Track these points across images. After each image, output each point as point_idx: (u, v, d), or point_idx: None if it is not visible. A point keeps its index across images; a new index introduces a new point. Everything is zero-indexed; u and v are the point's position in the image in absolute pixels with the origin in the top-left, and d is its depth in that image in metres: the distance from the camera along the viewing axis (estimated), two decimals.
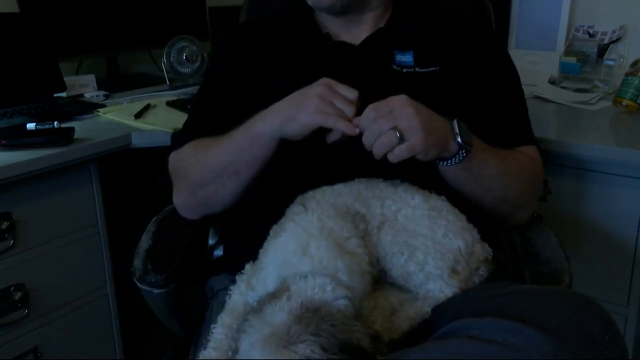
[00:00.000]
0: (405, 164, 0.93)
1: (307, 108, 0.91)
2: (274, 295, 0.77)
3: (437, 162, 0.97)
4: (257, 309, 0.77)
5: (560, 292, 0.81)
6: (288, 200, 0.99)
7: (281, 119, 0.95)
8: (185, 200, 1.12)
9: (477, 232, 0.95)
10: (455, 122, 0.94)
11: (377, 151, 0.89)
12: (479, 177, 1.01)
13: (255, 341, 0.72)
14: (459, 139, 0.93)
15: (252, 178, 1.03)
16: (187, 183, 1.10)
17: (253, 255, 0.95)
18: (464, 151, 0.94)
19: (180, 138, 1.14)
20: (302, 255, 0.82)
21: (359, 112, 0.92)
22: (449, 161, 0.95)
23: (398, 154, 0.89)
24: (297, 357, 0.68)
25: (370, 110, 0.90)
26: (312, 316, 0.72)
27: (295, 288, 0.77)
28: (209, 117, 1.16)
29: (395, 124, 0.88)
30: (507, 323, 0.73)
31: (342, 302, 0.76)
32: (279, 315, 0.73)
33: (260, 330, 0.73)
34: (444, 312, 0.86)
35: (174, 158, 1.14)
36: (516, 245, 1.13)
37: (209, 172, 1.05)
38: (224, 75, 1.18)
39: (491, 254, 0.96)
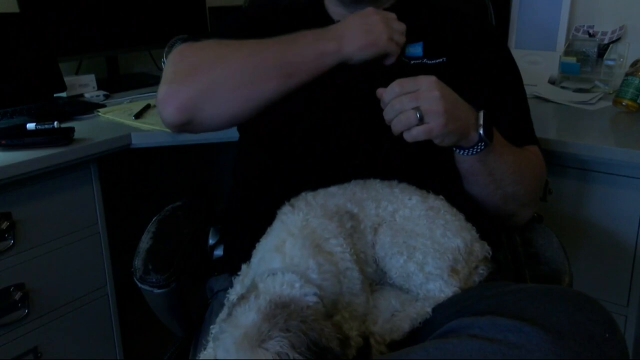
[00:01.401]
0: (404, 163, 0.93)
1: (382, 36, 0.97)
2: (243, 297, 0.77)
3: (454, 149, 0.97)
4: (228, 313, 0.77)
5: (560, 291, 0.81)
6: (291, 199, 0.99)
7: (362, 44, 0.98)
8: (196, 90, 0.98)
9: (475, 231, 0.95)
10: (481, 114, 0.93)
11: (395, 128, 0.89)
12: (494, 171, 1.01)
13: (229, 346, 0.72)
14: (481, 131, 0.93)
15: (299, 86, 0.99)
16: (216, 69, 0.98)
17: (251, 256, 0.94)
18: (482, 144, 0.94)
19: (198, 38, 1.06)
20: (275, 252, 0.83)
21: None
22: (467, 151, 0.95)
23: (415, 135, 0.89)
24: (269, 355, 0.69)
25: (395, 85, 0.90)
26: (281, 312, 0.72)
27: (263, 286, 0.77)
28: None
29: (417, 104, 0.88)
30: (507, 321, 0.73)
31: (312, 299, 0.76)
32: (248, 315, 0.73)
33: (232, 334, 0.72)
34: (444, 311, 0.86)
35: (190, 46, 1.03)
36: (516, 245, 1.13)
37: (267, 65, 0.98)
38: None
39: (490, 252, 0.96)
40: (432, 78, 0.90)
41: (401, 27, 1.01)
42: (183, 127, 1.01)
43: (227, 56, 0.99)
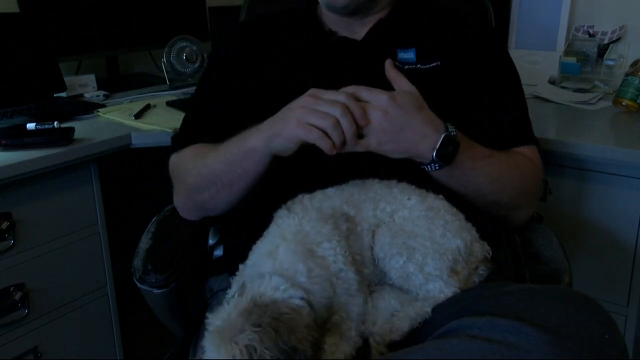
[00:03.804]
0: (403, 162, 0.93)
1: (290, 121, 0.89)
2: (233, 297, 0.81)
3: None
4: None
5: (559, 291, 0.81)
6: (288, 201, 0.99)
7: (269, 134, 0.93)
8: (183, 203, 1.13)
9: (475, 231, 0.95)
10: (442, 137, 0.92)
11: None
12: (467, 184, 1.01)
13: (207, 336, 0.76)
14: (434, 154, 0.92)
15: (245, 190, 1.03)
16: (185, 187, 1.10)
17: None
18: (436, 165, 0.94)
19: (180, 140, 1.15)
20: (267, 257, 0.84)
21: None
22: (425, 166, 0.96)
23: (353, 147, 0.89)
24: (237, 348, 0.71)
25: (352, 87, 0.90)
26: (257, 310, 0.75)
27: (250, 286, 0.79)
28: (208, 118, 1.15)
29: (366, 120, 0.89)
30: (506, 322, 0.73)
31: (297, 302, 0.78)
32: (227, 310, 0.77)
33: (212, 325, 0.77)
34: (443, 311, 0.86)
35: (174, 160, 1.14)
36: (516, 245, 1.13)
37: (204, 179, 1.05)
38: (224, 75, 1.17)
39: (490, 253, 0.96)
40: (387, 96, 0.90)
41: (340, 97, 0.88)
42: (201, 217, 1.15)
43: (191, 170, 1.08)
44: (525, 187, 1.08)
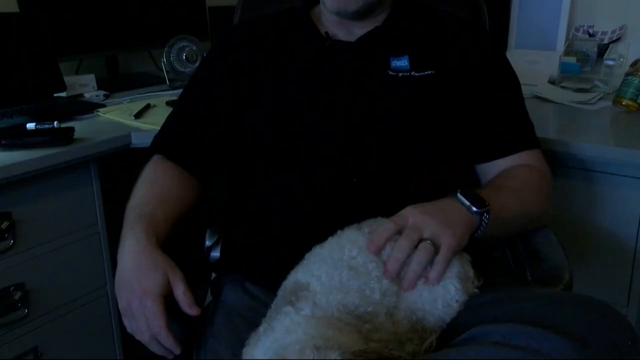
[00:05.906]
0: (390, 175, 0.93)
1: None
2: None
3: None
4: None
5: (576, 297, 0.81)
6: (286, 203, 1.00)
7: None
8: None
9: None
10: (459, 196, 0.90)
11: (417, 267, 0.82)
12: (507, 222, 0.98)
13: None
14: (474, 209, 0.90)
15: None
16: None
17: (250, 257, 0.94)
18: (486, 215, 0.91)
19: (157, 143, 1.19)
20: None
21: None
22: (479, 230, 0.92)
23: (440, 268, 0.83)
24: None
25: (383, 231, 0.85)
26: None
27: None
28: (193, 122, 1.16)
29: (420, 235, 0.84)
30: (529, 329, 0.73)
31: None
32: None
33: None
34: (461, 316, 0.85)
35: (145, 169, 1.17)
36: (516, 243, 1.13)
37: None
38: (216, 77, 1.16)
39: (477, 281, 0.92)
40: (408, 208, 0.87)
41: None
42: None
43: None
44: (543, 201, 1.07)
